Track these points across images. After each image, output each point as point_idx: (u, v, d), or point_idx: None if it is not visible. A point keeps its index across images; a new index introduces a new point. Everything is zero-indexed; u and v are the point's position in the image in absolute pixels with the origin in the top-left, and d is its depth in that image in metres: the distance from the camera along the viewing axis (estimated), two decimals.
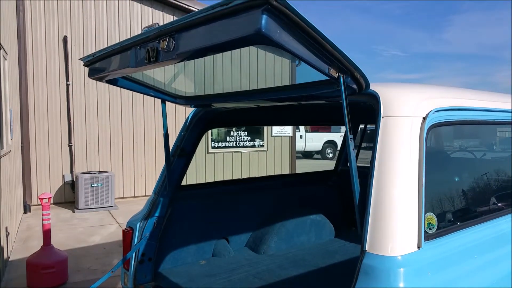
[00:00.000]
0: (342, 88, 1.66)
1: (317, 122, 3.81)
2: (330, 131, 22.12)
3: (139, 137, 9.50)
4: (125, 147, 9.38)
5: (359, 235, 1.66)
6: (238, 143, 10.69)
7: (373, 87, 1.84)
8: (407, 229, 1.59)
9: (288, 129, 11.53)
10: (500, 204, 2.23)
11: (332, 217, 3.99)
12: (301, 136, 20.78)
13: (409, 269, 1.53)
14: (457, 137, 2.62)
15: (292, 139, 11.64)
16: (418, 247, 1.60)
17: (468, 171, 2.49)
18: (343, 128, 22.30)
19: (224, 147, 10.52)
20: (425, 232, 1.66)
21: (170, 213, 2.93)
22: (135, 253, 2.75)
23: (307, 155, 21.84)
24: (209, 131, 10.11)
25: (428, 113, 1.80)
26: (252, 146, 11.00)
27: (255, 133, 11.03)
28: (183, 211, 3.07)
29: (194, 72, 2.72)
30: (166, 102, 2.67)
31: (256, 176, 10.61)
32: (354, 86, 1.76)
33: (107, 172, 8.57)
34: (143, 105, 9.51)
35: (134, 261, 2.75)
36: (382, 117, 1.75)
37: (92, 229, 6.84)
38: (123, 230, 2.85)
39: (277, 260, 3.29)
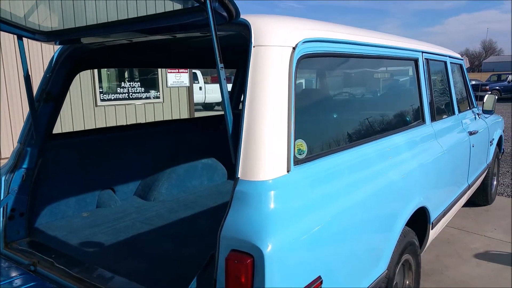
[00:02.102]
0: (210, 13, 1.59)
1: (196, 64, 3.72)
2: (230, 82, 22.07)
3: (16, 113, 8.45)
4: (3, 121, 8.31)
5: (233, 164, 1.68)
6: (131, 95, 10.15)
7: (246, 18, 1.81)
8: (276, 155, 1.64)
9: (184, 79, 11.23)
10: (364, 132, 2.43)
11: (224, 160, 4.04)
12: (200, 88, 20.45)
13: (279, 192, 1.60)
14: (330, 69, 2.75)
15: (190, 89, 11.39)
16: (288, 171, 1.67)
17: (338, 102, 2.65)
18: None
19: (115, 99, 9.90)
20: (295, 157, 1.74)
21: (42, 164, 2.69)
22: (3, 209, 2.49)
23: (208, 107, 21.69)
24: (97, 81, 9.40)
25: (298, 43, 1.83)
26: (147, 98, 10.53)
27: (150, 84, 10.55)
28: (57, 161, 2.84)
29: (61, 5, 2.41)
30: (26, 39, 2.35)
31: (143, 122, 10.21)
32: (224, 14, 1.71)
33: None
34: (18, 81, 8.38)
35: (3, 218, 2.50)
36: (254, 46, 1.74)
37: None
38: None
39: (168, 205, 3.26)
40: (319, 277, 1.65)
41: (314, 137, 2.02)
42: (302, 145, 1.82)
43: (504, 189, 6.09)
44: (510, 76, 25.18)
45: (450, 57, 3.91)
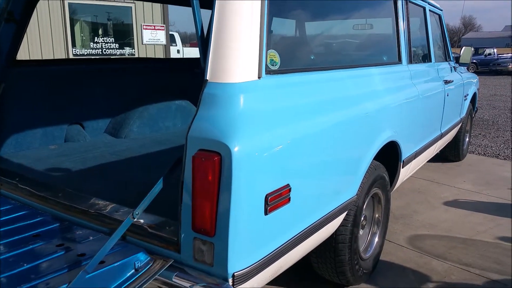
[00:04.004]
0: None
1: None
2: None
3: None
4: None
5: (201, 68, 1.62)
6: (105, 51, 9.83)
7: None
8: (247, 59, 1.59)
9: (161, 37, 10.92)
10: (341, 59, 2.39)
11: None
12: (178, 51, 19.97)
13: (248, 96, 1.55)
14: None
15: (166, 48, 11.11)
16: (259, 77, 1.62)
17: (318, 24, 2.59)
18: None
19: (88, 54, 9.58)
20: (267, 66, 1.69)
21: (4, 91, 2.56)
22: None
23: None
24: (69, 36, 9.04)
25: None
26: (121, 55, 10.22)
27: (124, 40, 10.22)
28: (21, 89, 2.71)
29: None
30: None
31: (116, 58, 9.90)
32: None
33: None
34: None
35: None
36: None
37: None
38: None
39: (139, 142, 3.19)
40: (288, 185, 1.64)
41: (289, 53, 1.97)
42: (275, 56, 1.76)
43: (475, 148, 6.24)
44: (487, 50, 25.58)
45: (429, 4, 3.88)
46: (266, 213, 1.53)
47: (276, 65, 1.77)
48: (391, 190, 2.90)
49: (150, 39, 10.64)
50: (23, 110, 2.74)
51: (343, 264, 2.31)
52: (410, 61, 3.23)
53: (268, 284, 2.18)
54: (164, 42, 10.98)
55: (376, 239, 2.78)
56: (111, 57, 9.35)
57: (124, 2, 10.06)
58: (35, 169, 2.44)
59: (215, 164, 1.40)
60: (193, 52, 20.60)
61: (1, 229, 1.61)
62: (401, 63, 3.06)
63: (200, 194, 1.43)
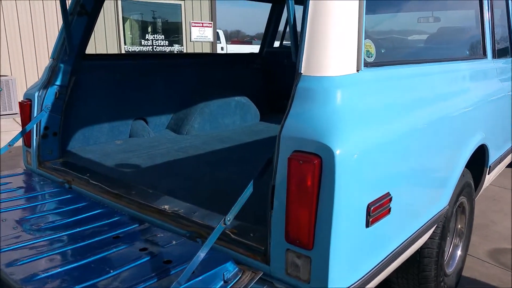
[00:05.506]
0: None
1: None
2: (251, 44, 21.76)
3: (40, 36, 8.35)
4: (25, 48, 8.23)
5: (293, 60, 1.47)
6: (155, 48, 9.94)
7: None
8: (345, 50, 1.42)
9: (208, 34, 10.92)
10: (430, 52, 2.18)
11: (256, 101, 3.83)
12: (222, 48, 20.09)
13: (347, 90, 1.39)
14: None
15: (213, 44, 11.09)
16: (357, 70, 1.45)
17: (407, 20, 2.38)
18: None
19: (139, 52, 9.72)
20: (364, 59, 1.51)
21: (75, 84, 2.53)
22: (36, 127, 2.36)
23: None
24: (121, 34, 9.20)
25: None
26: (170, 52, 10.31)
27: (174, 37, 10.30)
28: (90, 83, 2.68)
29: None
30: None
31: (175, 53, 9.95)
32: None
33: (6, 76, 7.56)
34: (42, 1, 8.24)
35: (36, 136, 2.37)
36: None
37: None
38: (20, 103, 2.42)
39: (201, 139, 3.10)
40: (388, 193, 1.46)
41: (382, 45, 1.78)
42: (371, 46, 1.59)
43: None
44: None
45: None
46: (367, 225, 1.36)
47: (371, 56, 1.59)
48: (475, 197, 2.64)
49: (198, 36, 10.66)
50: (90, 103, 2.71)
51: (427, 281, 2.08)
52: (494, 56, 2.94)
53: None
54: (211, 39, 10.97)
55: (459, 252, 2.53)
56: (170, 52, 9.40)
57: (174, 0, 10.14)
58: (105, 165, 2.39)
59: (315, 168, 1.25)
60: (236, 50, 20.68)
61: (80, 229, 1.54)
62: (486, 57, 2.79)
63: (297, 201, 1.28)
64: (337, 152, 1.24)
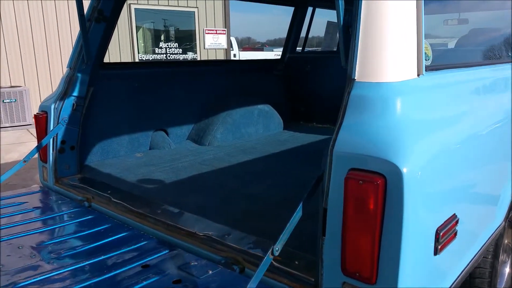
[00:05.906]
0: None
1: None
2: (263, 51, 21.73)
3: (53, 46, 8.31)
4: (39, 58, 8.20)
5: (342, 66, 1.30)
6: (169, 56, 9.85)
7: None
8: (405, 53, 1.24)
9: (222, 41, 10.82)
10: (483, 56, 1.99)
11: (278, 109, 3.66)
12: (234, 55, 20.06)
13: (409, 98, 1.21)
14: None
15: (227, 51, 10.98)
16: (418, 75, 1.27)
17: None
18: (275, 48, 21.93)
19: (153, 60, 9.63)
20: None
21: (93, 94, 2.39)
22: (52, 141, 2.22)
23: None
24: (135, 42, 9.13)
25: None
26: (184, 59, 10.21)
27: (187, 45, 10.20)
28: (108, 93, 2.53)
29: None
30: None
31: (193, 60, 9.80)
32: None
33: (20, 86, 7.51)
34: (55, 9, 8.22)
35: (53, 150, 2.23)
36: None
37: (9, 147, 6.04)
38: (35, 116, 2.28)
39: (225, 150, 2.94)
40: (454, 215, 1.27)
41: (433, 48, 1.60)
42: (428, 48, 1.41)
43: None
44: None
45: None
46: (435, 253, 1.17)
47: (428, 59, 1.41)
48: None
49: (212, 43, 10.55)
50: (109, 115, 2.56)
51: None
52: None
53: None
54: (225, 46, 10.86)
55: (508, 270, 2.32)
56: (188, 59, 9.28)
57: (187, 7, 10.06)
58: (126, 180, 2.24)
59: (379, 189, 1.07)
60: (248, 56, 20.61)
61: (105, 256, 1.39)
62: None
63: (356, 227, 1.10)
64: (404, 170, 1.06)
